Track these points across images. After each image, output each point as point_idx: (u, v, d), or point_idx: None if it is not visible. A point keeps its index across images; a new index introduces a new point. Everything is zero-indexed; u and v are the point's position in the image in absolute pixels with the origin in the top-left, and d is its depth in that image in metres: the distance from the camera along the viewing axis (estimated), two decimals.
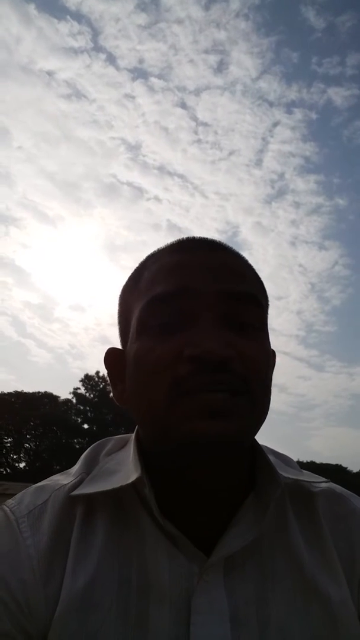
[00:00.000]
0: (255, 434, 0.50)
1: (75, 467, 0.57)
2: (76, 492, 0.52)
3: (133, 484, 0.49)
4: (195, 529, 0.50)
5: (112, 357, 0.57)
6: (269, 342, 0.53)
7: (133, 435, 0.57)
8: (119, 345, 0.58)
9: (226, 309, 0.48)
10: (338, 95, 72.43)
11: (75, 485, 0.53)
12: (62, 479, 0.56)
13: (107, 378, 0.57)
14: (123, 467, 0.53)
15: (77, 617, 0.46)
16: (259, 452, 0.54)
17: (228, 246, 0.54)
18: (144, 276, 0.53)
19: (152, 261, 0.54)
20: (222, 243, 0.54)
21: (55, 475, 0.58)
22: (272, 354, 0.56)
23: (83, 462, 0.57)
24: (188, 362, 0.45)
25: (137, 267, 0.56)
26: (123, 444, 0.60)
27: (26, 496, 0.54)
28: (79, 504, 0.52)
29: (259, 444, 0.56)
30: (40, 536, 0.49)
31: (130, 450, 0.55)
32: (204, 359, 0.44)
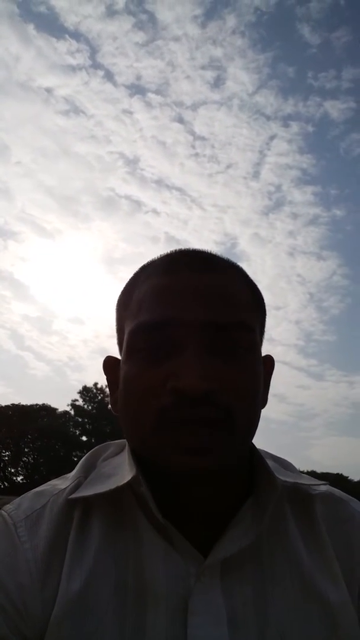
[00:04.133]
0: (241, 454, 0.52)
1: (73, 472, 0.58)
2: (74, 495, 0.52)
3: (129, 484, 0.50)
4: (192, 530, 0.50)
5: (109, 365, 0.59)
6: (260, 361, 0.52)
7: None
8: (118, 355, 0.59)
9: (212, 337, 0.48)
10: (334, 108, 73.34)
11: (73, 489, 0.54)
12: (60, 484, 0.56)
13: (106, 389, 0.60)
14: (120, 470, 0.54)
15: (73, 620, 0.46)
16: (257, 456, 0.55)
17: (220, 261, 0.54)
18: (134, 294, 0.54)
19: (142, 279, 0.54)
20: (214, 259, 0.54)
21: (53, 479, 0.59)
22: (270, 361, 0.58)
23: (81, 467, 0.58)
24: (170, 394, 0.46)
25: (130, 280, 0.57)
26: (121, 449, 0.61)
27: (24, 501, 0.54)
28: (77, 508, 0.52)
29: (257, 449, 0.56)
30: (37, 540, 0.49)
31: (126, 453, 0.56)
32: (184, 393, 0.45)
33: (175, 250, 0.56)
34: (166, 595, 0.47)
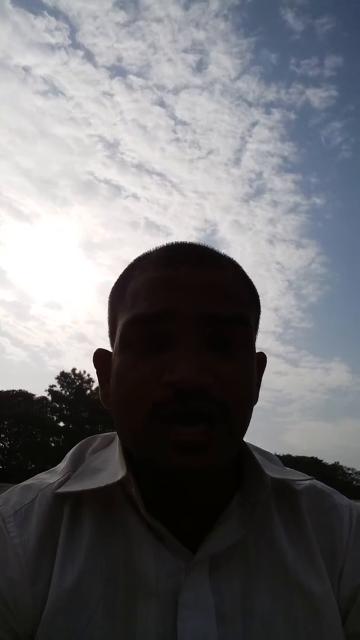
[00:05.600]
0: (234, 452, 0.52)
1: (62, 466, 0.58)
2: (63, 489, 0.52)
3: (120, 482, 0.50)
4: (181, 525, 0.51)
5: (100, 358, 0.58)
6: (254, 356, 0.52)
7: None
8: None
9: (209, 330, 0.47)
10: (316, 96, 73.56)
11: (62, 484, 0.54)
12: (49, 478, 0.56)
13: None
14: (109, 465, 0.54)
15: (65, 615, 0.46)
16: (246, 450, 0.55)
17: (217, 255, 0.53)
18: (130, 285, 0.52)
19: (139, 270, 0.53)
20: (211, 253, 0.53)
21: (42, 473, 0.59)
22: (262, 358, 0.58)
23: (70, 460, 0.58)
24: (165, 387, 0.45)
25: (125, 271, 0.56)
26: (109, 442, 0.61)
27: (13, 495, 0.53)
28: (66, 503, 0.52)
29: (245, 443, 0.56)
30: (27, 535, 0.49)
31: (116, 448, 0.56)
32: (180, 387, 0.45)
33: (173, 244, 0.55)
34: (156, 590, 0.48)
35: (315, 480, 0.60)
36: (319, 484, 0.61)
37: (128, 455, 0.52)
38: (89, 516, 0.52)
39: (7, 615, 0.46)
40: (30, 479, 0.57)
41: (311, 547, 0.54)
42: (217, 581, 0.49)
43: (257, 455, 0.55)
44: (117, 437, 0.57)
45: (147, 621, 0.47)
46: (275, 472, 0.56)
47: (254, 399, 0.53)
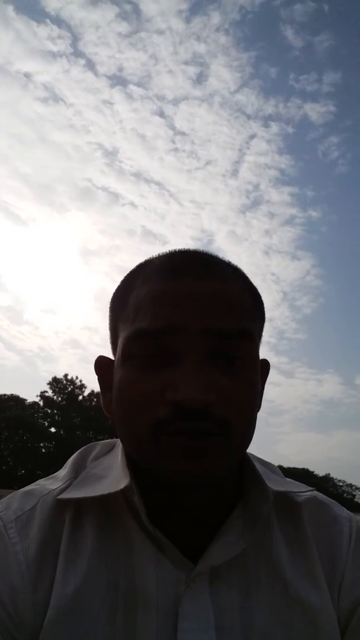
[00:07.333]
0: (235, 463, 0.52)
1: (63, 472, 0.58)
2: (65, 496, 0.52)
3: (122, 490, 0.49)
4: (182, 536, 0.51)
5: (102, 365, 0.57)
6: (258, 370, 0.52)
7: (119, 441, 0.57)
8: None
9: (213, 345, 0.47)
10: (314, 111, 74.38)
11: (64, 490, 0.53)
12: (50, 484, 0.56)
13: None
14: (110, 472, 0.54)
15: (66, 623, 0.46)
16: (247, 462, 0.55)
17: (221, 264, 0.53)
18: (132, 295, 0.51)
19: (141, 280, 0.52)
20: (215, 261, 0.53)
21: (42, 479, 0.59)
22: (265, 365, 0.57)
23: (71, 467, 0.58)
24: (169, 405, 0.45)
25: (127, 279, 0.55)
26: (109, 449, 0.61)
27: (14, 501, 0.53)
28: (68, 510, 0.52)
29: (247, 454, 0.56)
30: (29, 542, 0.49)
31: (118, 455, 0.56)
32: (184, 406, 0.44)
33: (176, 252, 0.54)
34: (157, 600, 0.48)
35: (316, 492, 0.60)
36: (320, 495, 0.61)
37: (131, 464, 0.52)
38: (90, 523, 0.51)
39: (7, 623, 0.46)
40: (31, 484, 0.57)
41: (311, 560, 0.54)
42: (216, 593, 0.49)
43: (258, 466, 0.55)
44: (118, 444, 0.57)
45: (147, 631, 0.47)
46: (276, 483, 0.55)
47: (257, 411, 0.52)
